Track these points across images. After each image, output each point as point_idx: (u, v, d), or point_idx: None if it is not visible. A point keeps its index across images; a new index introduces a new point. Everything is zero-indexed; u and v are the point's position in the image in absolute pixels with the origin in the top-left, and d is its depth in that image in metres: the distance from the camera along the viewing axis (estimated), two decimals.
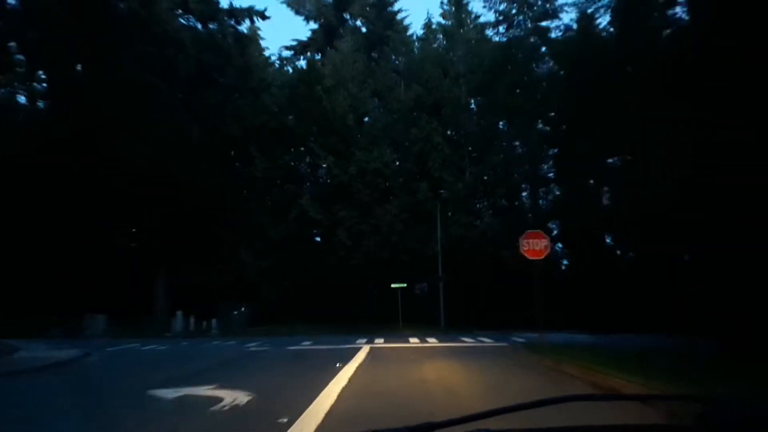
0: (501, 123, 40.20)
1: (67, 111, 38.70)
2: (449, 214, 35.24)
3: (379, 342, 21.30)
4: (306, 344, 20.83)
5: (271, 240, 37.38)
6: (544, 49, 41.05)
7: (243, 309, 35.79)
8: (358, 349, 17.39)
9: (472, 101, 40.69)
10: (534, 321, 35.09)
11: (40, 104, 41.29)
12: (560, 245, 37.88)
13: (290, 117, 39.28)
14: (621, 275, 30.23)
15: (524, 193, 40.20)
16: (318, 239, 39.23)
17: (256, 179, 38.00)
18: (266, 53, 46.52)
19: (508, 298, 36.51)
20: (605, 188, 33.39)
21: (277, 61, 46.19)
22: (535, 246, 16.36)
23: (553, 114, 37.50)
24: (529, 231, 16.86)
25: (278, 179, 38.74)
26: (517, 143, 38.61)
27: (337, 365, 12.17)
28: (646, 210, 24.46)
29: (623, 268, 31.97)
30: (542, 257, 16.70)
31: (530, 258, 16.53)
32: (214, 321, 35.45)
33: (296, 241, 37.45)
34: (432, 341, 21.55)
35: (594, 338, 22.52)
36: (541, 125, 38.61)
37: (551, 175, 38.35)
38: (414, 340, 21.92)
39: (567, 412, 1.49)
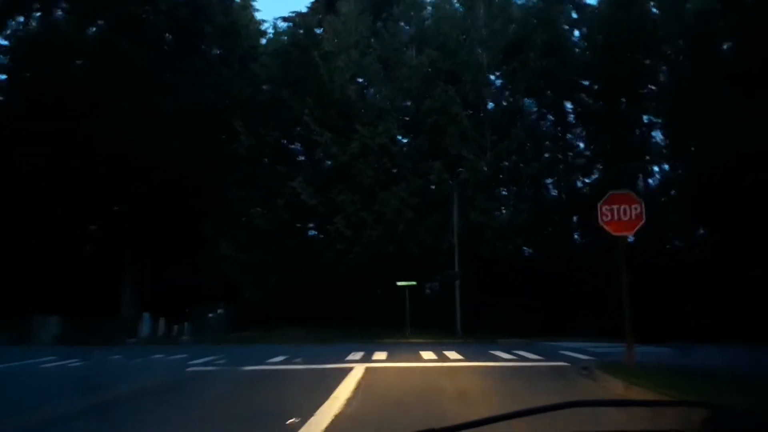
0: (526, 100, 34.30)
1: (25, 79, 33.32)
2: (468, 198, 29.35)
3: (380, 357, 15.44)
4: (276, 361, 14.98)
5: (256, 231, 31.64)
6: (575, 15, 35.29)
7: (220, 311, 30.09)
8: (348, 371, 11.55)
9: (495, 73, 34.80)
10: (573, 327, 29.31)
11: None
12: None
13: (282, 88, 33.50)
14: (692, 276, 24.51)
15: (549, 180, 34.31)
16: (312, 230, 33.44)
17: (241, 158, 32.27)
18: (260, 26, 40.69)
19: (536, 299, 30.62)
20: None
21: (271, 31, 40.39)
22: (623, 215, 10.43)
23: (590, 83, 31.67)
24: (613, 192, 10.91)
25: (266, 159, 32.99)
26: (549, 118, 32.65)
27: (290, 421, 6.33)
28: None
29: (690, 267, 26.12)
30: (632, 233, 10.82)
31: (614, 233, 10.63)
32: (186, 325, 29.80)
33: (286, 231, 31.71)
34: (453, 356, 15.67)
35: (673, 351, 16.83)
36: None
37: (588, 153, 32.43)
38: (427, 355, 16.06)
39: (572, 417, 1.42)
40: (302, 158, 35.02)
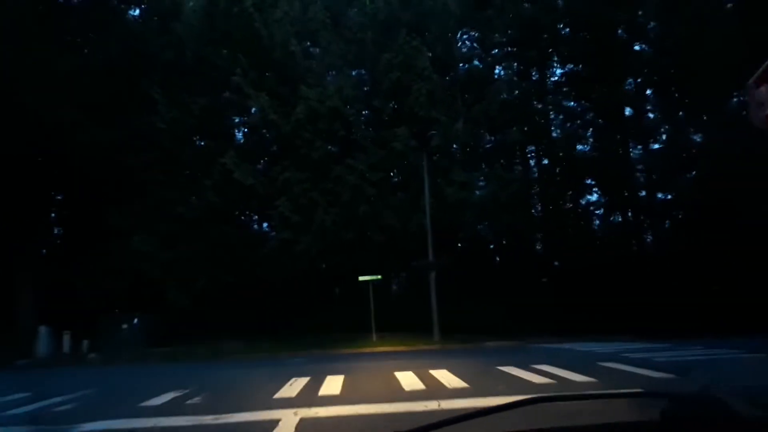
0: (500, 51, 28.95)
1: None
2: (442, 170, 23.87)
3: (331, 390, 9.56)
4: (153, 406, 8.92)
5: (180, 220, 25.53)
6: None
7: (136, 321, 23.86)
8: None
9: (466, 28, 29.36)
10: (567, 324, 24.10)
11: None
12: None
13: (208, 46, 27.37)
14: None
15: (532, 148, 29.07)
16: (250, 216, 27.43)
17: (159, 133, 26.04)
18: None
19: (529, 291, 25.44)
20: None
21: None
22: None
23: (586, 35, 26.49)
24: None
25: (192, 132, 26.81)
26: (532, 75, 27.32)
27: None
28: None
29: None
30: None
31: None
32: (86, 342, 23.51)
33: (218, 219, 25.67)
34: (447, 379, 9.95)
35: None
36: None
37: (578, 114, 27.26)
38: (407, 379, 10.34)
39: (532, 415, 1.42)
40: (237, 132, 28.85)
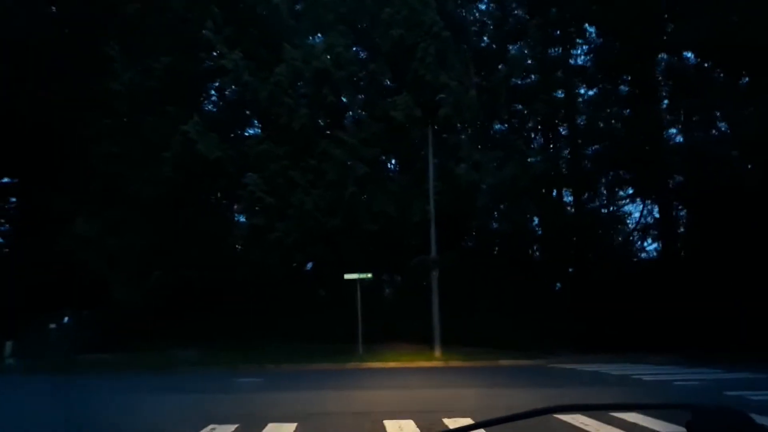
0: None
1: None
2: (451, 147, 19.54)
3: None
4: None
5: (130, 202, 21.16)
6: None
7: (66, 320, 19.45)
8: None
9: None
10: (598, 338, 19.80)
11: None
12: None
13: None
14: None
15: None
16: (216, 197, 23.05)
17: (113, 95, 21.66)
18: None
19: (545, 299, 21.23)
20: None
21: None
22: None
23: None
24: None
25: (153, 97, 22.35)
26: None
27: None
28: None
29: None
30: None
31: None
32: (9, 344, 19.15)
33: (176, 202, 21.27)
34: None
35: None
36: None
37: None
38: None
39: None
40: (206, 101, 24.35)
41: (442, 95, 18.29)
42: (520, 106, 23.27)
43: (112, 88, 21.62)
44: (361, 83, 21.71)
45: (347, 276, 18.65)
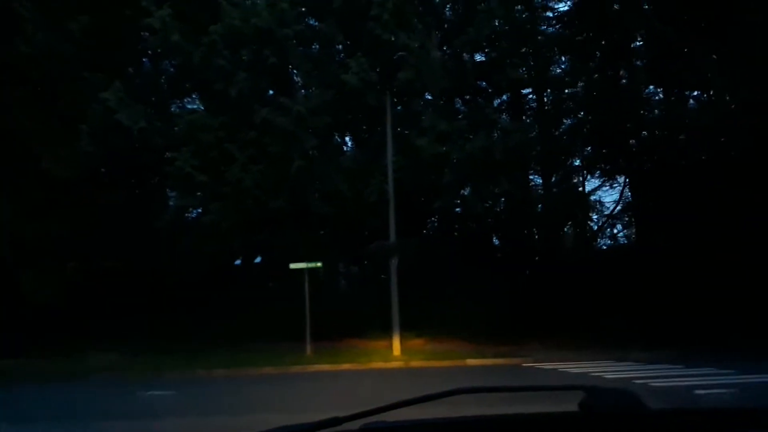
0: None
1: None
2: (412, 116, 17.11)
3: None
4: None
5: (43, 182, 18.20)
6: None
7: None
8: None
9: None
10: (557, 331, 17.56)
11: None
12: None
13: None
14: None
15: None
16: (144, 178, 20.18)
17: (24, 60, 18.62)
18: None
19: (515, 288, 19.14)
20: None
21: None
22: None
23: None
24: None
25: (70, 61, 19.30)
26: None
27: None
28: None
29: None
30: None
31: None
32: None
33: (96, 181, 18.39)
34: None
35: None
36: None
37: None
38: None
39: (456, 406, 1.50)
40: (131, 68, 21.27)
41: (401, 53, 15.77)
42: (484, 84, 20.99)
43: (22, 51, 18.62)
44: (312, 47, 19.10)
45: (293, 265, 16.12)
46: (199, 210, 17.95)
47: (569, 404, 1.30)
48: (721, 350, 14.26)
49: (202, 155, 16.64)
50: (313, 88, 17.60)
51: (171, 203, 18.23)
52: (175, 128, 17.30)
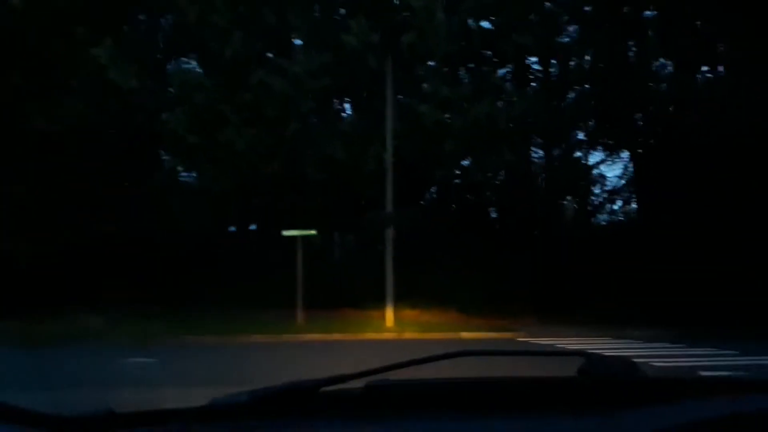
0: None
1: None
2: (414, 80, 16.53)
3: None
4: None
5: (33, 141, 17.65)
6: None
7: None
8: None
9: None
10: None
11: None
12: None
13: None
14: None
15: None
16: (137, 139, 19.53)
17: (10, 17, 17.90)
18: None
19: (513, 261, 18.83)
20: None
21: None
22: None
23: None
24: None
25: (61, 18, 18.59)
26: None
27: None
28: None
29: None
30: None
31: None
32: None
33: (84, 140, 17.82)
34: None
35: None
36: None
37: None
38: None
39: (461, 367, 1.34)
40: (125, 25, 20.54)
41: (406, 13, 15.13)
42: (489, 53, 20.28)
43: (9, 3, 17.93)
44: (312, 7, 18.40)
45: (285, 232, 15.70)
46: (193, 174, 17.46)
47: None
48: (723, 330, 13.91)
49: (195, 117, 16.07)
50: (312, 50, 16.94)
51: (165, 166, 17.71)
52: (170, 89, 16.70)
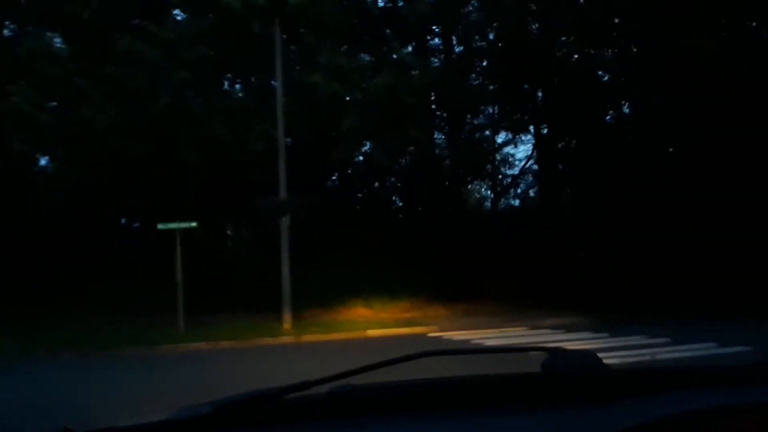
0: None
1: None
2: (307, 49, 14.74)
3: None
4: None
5: None
6: None
7: None
8: None
9: None
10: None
11: None
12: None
13: None
14: None
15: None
16: None
17: None
18: None
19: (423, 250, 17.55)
20: None
21: None
22: None
23: None
24: None
25: None
26: None
27: None
28: None
29: None
30: None
31: None
32: None
33: None
34: None
35: None
36: None
37: None
38: None
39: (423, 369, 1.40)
40: None
41: None
42: (389, 31, 18.82)
43: None
44: None
45: (161, 226, 13.47)
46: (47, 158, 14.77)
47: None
48: (640, 317, 13.19)
49: (45, 90, 13.47)
50: (189, 16, 14.73)
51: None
52: (16, 59, 13.94)
